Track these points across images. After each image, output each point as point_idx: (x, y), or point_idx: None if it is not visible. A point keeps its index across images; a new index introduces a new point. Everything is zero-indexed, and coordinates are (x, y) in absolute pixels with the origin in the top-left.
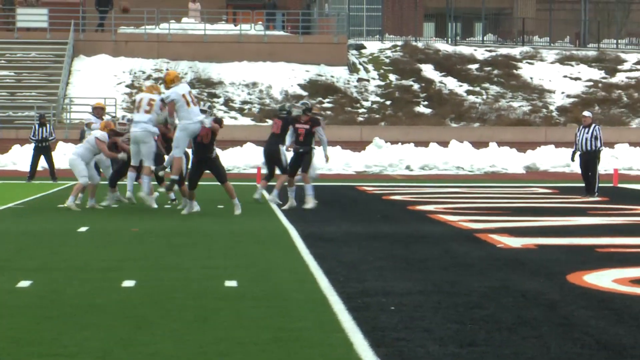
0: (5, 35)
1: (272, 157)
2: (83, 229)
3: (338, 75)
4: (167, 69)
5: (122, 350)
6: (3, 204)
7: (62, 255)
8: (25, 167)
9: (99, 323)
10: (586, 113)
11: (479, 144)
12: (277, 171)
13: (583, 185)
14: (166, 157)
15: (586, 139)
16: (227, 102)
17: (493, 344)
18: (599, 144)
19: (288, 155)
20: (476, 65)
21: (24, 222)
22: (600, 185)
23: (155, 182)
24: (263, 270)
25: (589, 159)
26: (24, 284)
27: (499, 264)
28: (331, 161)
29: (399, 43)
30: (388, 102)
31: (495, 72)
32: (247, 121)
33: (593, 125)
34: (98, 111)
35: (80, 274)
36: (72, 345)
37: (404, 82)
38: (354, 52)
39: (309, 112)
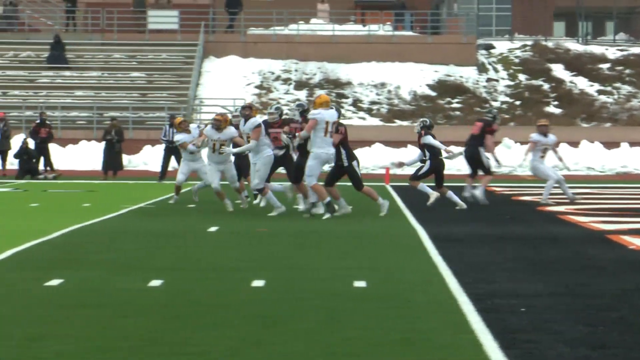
0: (137, 37)
1: (472, 159)
2: (213, 229)
3: (467, 75)
4: (302, 73)
5: (253, 350)
6: (134, 204)
7: (192, 255)
8: (156, 168)
9: (229, 322)
10: None
11: (610, 144)
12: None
13: None
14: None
15: None
16: (356, 103)
17: (625, 347)
18: None
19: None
20: (607, 65)
21: (154, 222)
22: None
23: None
24: (391, 271)
25: None
26: (155, 283)
27: (631, 265)
28: (460, 161)
29: (529, 43)
30: (517, 102)
31: (627, 71)
32: (375, 122)
33: None
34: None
35: (210, 274)
36: (203, 344)
37: (534, 82)
38: (483, 52)
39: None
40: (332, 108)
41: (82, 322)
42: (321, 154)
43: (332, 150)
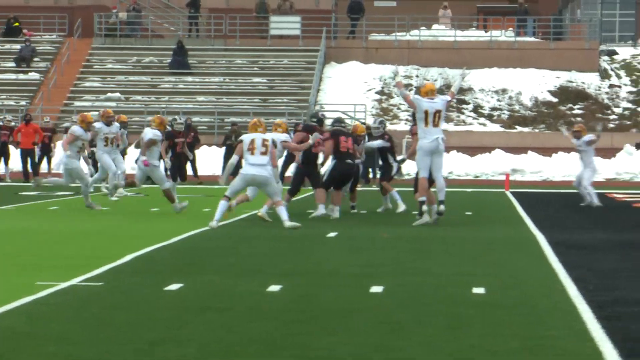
0: (259, 43)
1: None
2: (332, 234)
3: (589, 81)
4: (423, 79)
5: (375, 355)
6: (254, 209)
7: (312, 260)
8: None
9: (350, 327)
10: None
11: None
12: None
13: None
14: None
15: None
16: (477, 109)
17: None
18: None
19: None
20: None
21: (272, 227)
22: None
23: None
24: (511, 277)
25: None
26: (275, 288)
27: None
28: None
29: None
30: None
31: None
32: (496, 127)
33: None
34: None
35: (330, 279)
36: (323, 349)
37: None
38: (606, 58)
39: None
40: (437, 97)
41: (204, 326)
42: (424, 144)
43: (436, 138)
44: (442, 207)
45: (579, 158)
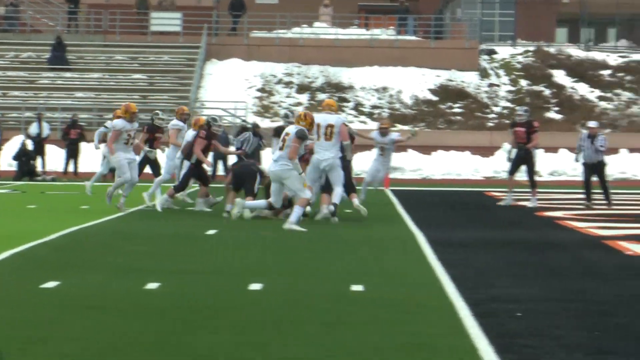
0: (139, 39)
1: None
2: (212, 232)
3: (469, 80)
4: (304, 77)
5: (254, 353)
6: (133, 206)
7: (192, 258)
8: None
9: (229, 326)
10: (592, 123)
11: (610, 150)
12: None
13: None
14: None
15: (591, 149)
16: (357, 107)
17: (622, 353)
18: (598, 156)
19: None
20: (608, 71)
21: (153, 224)
22: None
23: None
24: (390, 275)
25: (594, 170)
26: (154, 286)
27: (627, 271)
28: (461, 166)
29: (531, 48)
30: (518, 108)
31: (628, 78)
32: (376, 126)
33: (599, 135)
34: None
35: (210, 277)
36: (202, 348)
37: (535, 87)
38: (486, 57)
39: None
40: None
41: (82, 325)
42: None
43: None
44: (331, 207)
45: (377, 155)
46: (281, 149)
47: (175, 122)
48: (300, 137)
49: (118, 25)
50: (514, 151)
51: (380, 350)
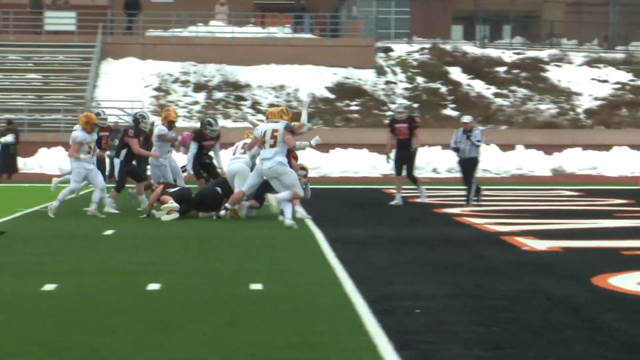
0: (34, 39)
1: None
2: (109, 232)
3: (365, 78)
4: (201, 76)
5: (150, 354)
6: (29, 207)
7: (89, 258)
8: (52, 170)
9: (127, 326)
10: (466, 118)
11: (506, 147)
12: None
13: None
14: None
15: (467, 145)
16: (254, 105)
17: (519, 347)
18: (475, 152)
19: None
20: (504, 68)
21: (50, 225)
22: (626, 187)
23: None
24: (289, 273)
25: (469, 165)
26: (50, 287)
27: (524, 267)
28: (359, 164)
29: (427, 46)
30: (415, 105)
31: (523, 74)
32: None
33: (474, 130)
34: None
35: (107, 277)
36: (98, 349)
37: (432, 84)
38: (382, 54)
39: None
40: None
41: None
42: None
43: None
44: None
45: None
46: (272, 146)
47: (161, 128)
48: (290, 130)
49: (11, 24)
50: (394, 151)
51: (277, 348)
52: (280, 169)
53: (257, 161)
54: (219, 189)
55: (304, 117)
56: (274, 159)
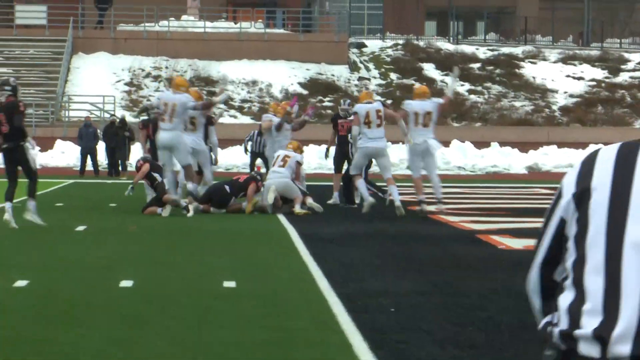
0: (4, 33)
1: None
2: (81, 227)
3: (339, 73)
4: (173, 70)
5: (118, 350)
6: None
7: (59, 253)
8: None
9: (96, 322)
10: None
11: (481, 144)
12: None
13: None
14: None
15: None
16: (227, 101)
17: (494, 347)
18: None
19: None
20: (478, 65)
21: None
22: None
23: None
24: (262, 270)
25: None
26: (20, 283)
27: (500, 265)
28: (331, 159)
29: (400, 42)
30: (389, 101)
31: (498, 71)
32: (246, 120)
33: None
34: None
35: (77, 273)
36: (68, 344)
37: (405, 81)
38: (355, 50)
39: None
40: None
41: None
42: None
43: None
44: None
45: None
46: (379, 125)
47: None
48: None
49: None
50: (333, 148)
51: (250, 345)
52: (387, 150)
53: (359, 142)
54: (227, 187)
55: (450, 91)
56: (384, 140)
